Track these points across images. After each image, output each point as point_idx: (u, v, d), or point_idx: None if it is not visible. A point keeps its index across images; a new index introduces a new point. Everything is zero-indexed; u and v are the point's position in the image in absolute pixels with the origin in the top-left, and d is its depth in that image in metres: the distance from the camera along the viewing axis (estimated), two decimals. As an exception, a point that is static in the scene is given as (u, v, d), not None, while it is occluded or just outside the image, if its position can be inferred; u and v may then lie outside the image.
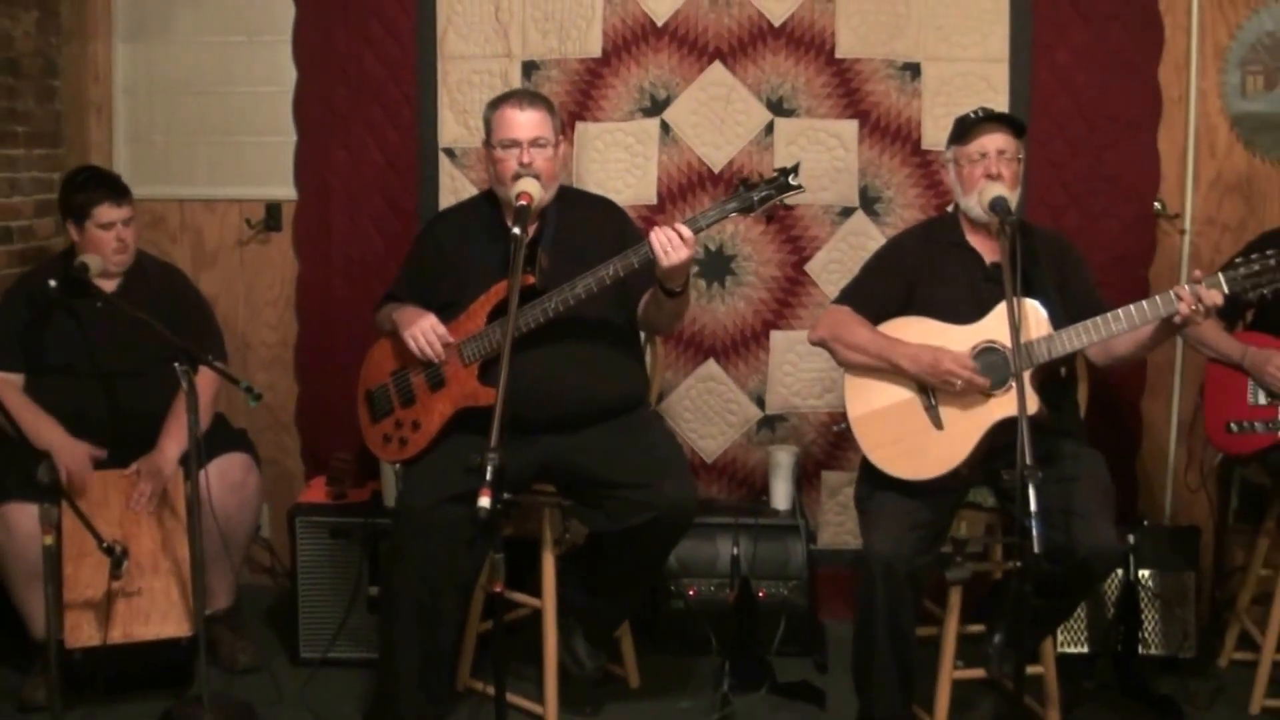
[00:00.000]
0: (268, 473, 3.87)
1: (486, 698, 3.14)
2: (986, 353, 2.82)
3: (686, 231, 2.74)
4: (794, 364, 3.82)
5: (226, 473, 3.30)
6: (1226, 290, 2.60)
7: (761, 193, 2.77)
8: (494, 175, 3.04)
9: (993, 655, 3.01)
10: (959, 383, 2.79)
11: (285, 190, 3.94)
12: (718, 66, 3.73)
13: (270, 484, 3.94)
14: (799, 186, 2.77)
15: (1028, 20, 3.67)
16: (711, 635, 3.47)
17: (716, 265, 3.80)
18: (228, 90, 3.94)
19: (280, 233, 3.97)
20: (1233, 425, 3.19)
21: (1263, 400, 3.17)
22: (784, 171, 2.78)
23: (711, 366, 3.85)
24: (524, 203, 2.83)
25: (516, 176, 2.94)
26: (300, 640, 3.47)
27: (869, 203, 3.75)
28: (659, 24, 3.73)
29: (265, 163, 3.94)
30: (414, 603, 2.90)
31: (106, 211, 3.29)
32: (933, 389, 2.86)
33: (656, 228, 2.75)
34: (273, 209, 3.95)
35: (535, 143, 2.98)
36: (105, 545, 2.98)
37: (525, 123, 2.99)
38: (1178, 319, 2.62)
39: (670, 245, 2.73)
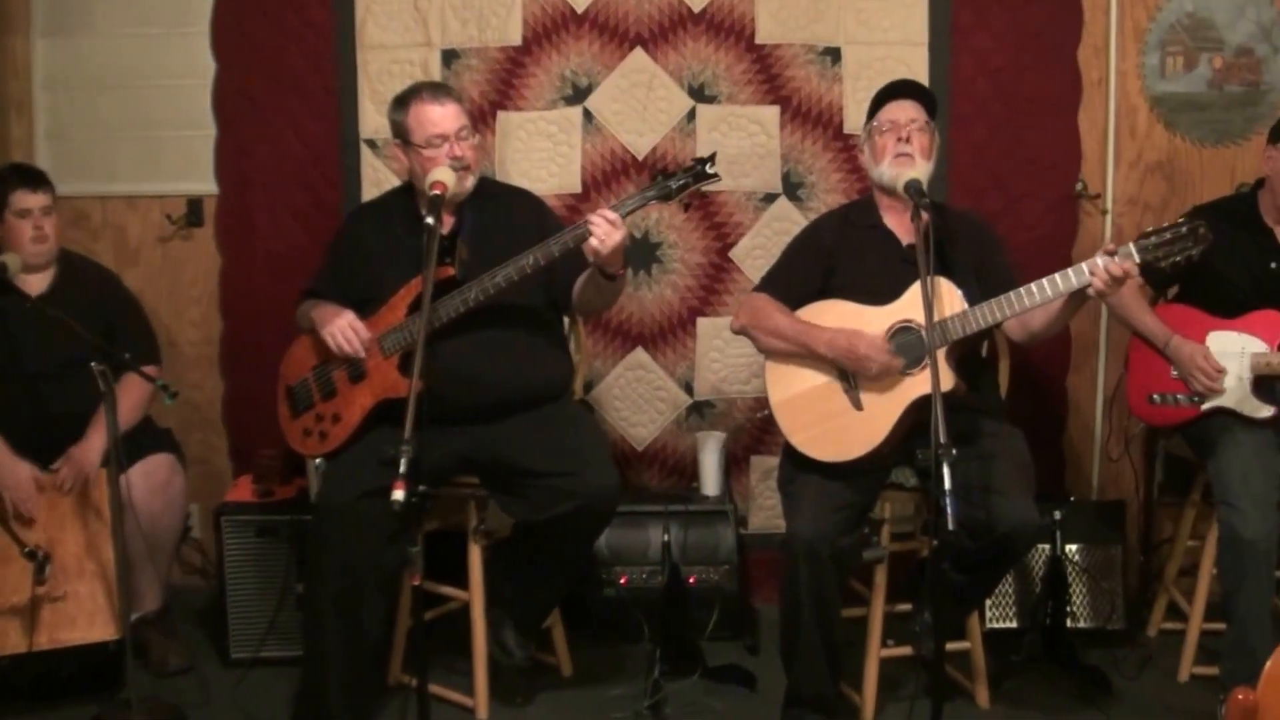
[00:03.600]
0: (197, 472, 3.83)
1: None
2: (902, 332, 2.84)
3: (611, 214, 2.75)
4: (721, 350, 3.82)
5: (151, 474, 3.27)
6: (1138, 259, 2.59)
7: (679, 181, 2.80)
8: (418, 173, 3.00)
9: (920, 633, 3.04)
10: (874, 367, 2.80)
11: (206, 185, 3.89)
12: (639, 53, 3.72)
13: (200, 484, 3.90)
14: (715, 175, 2.80)
15: (947, 3, 3.69)
16: (643, 622, 3.47)
17: (643, 253, 3.80)
18: (147, 84, 3.87)
19: (202, 228, 3.92)
20: (1155, 397, 3.22)
21: (1185, 374, 3.20)
22: (700, 161, 2.81)
23: (640, 354, 3.85)
24: (438, 192, 2.81)
25: (451, 171, 2.91)
26: (230, 640, 3.43)
27: (792, 188, 3.76)
28: (579, 11, 3.72)
29: (186, 157, 3.88)
30: (336, 598, 2.88)
31: (21, 198, 3.24)
32: (852, 372, 2.88)
33: (590, 220, 2.74)
34: (194, 204, 3.90)
35: (460, 134, 2.97)
36: (27, 550, 2.95)
37: (449, 116, 2.98)
38: (1091, 291, 2.63)
39: (605, 234, 2.73)
